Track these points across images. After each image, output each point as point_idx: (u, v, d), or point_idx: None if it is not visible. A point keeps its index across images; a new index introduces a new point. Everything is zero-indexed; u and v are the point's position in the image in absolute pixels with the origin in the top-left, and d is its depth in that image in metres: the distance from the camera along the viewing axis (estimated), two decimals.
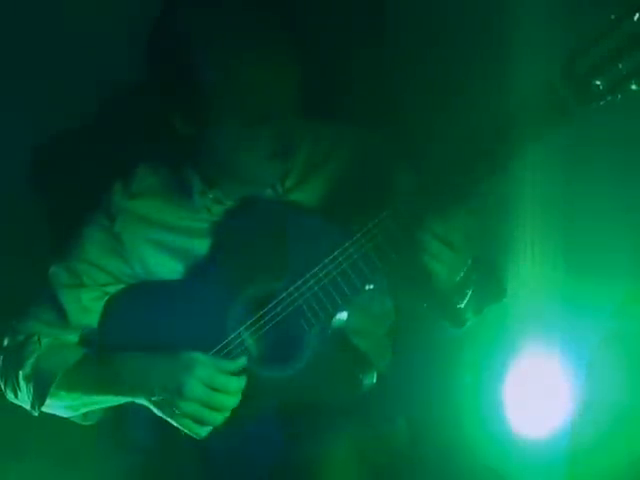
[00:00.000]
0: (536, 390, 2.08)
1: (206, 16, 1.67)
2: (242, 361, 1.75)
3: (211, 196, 1.84)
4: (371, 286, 1.73)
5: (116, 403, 1.81)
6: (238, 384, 1.74)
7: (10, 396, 1.88)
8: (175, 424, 1.75)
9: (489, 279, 1.82)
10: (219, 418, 1.74)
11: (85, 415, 1.88)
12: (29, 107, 2.18)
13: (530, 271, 2.02)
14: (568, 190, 2.01)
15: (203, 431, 1.75)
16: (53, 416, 1.88)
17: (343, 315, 1.75)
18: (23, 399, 1.84)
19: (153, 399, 1.74)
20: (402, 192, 1.71)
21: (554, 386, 2.07)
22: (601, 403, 2.07)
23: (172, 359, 1.74)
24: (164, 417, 1.75)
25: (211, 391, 1.72)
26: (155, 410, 1.76)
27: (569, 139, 1.76)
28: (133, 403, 1.78)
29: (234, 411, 1.74)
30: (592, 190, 2.02)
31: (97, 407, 1.84)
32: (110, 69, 2.14)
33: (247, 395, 1.74)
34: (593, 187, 2.01)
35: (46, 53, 2.17)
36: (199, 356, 1.73)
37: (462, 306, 1.75)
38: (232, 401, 1.73)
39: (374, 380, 1.76)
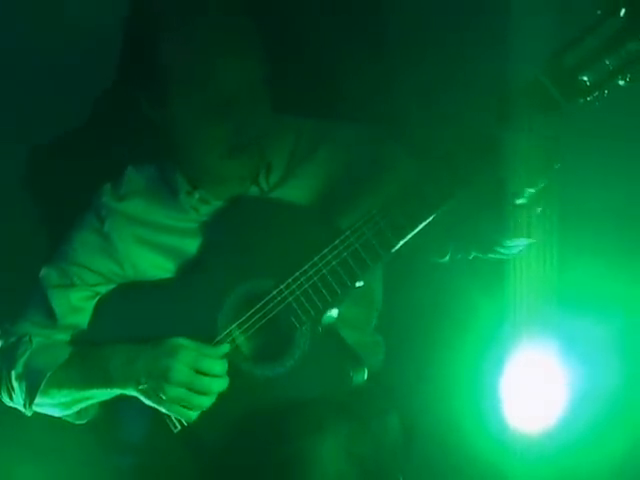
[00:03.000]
0: (533, 385, 2.08)
1: (167, 4, 1.70)
2: (225, 347, 1.76)
3: (197, 196, 1.85)
4: (361, 283, 1.73)
5: (107, 397, 1.81)
6: (222, 366, 1.75)
7: (5, 399, 1.88)
8: (164, 411, 1.76)
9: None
10: (206, 401, 1.75)
11: (78, 413, 1.88)
12: (25, 111, 2.19)
13: (526, 266, 2.02)
14: (565, 185, 2.01)
15: (192, 415, 1.76)
16: (45, 417, 1.88)
17: (334, 312, 1.76)
18: (17, 400, 1.85)
19: (140, 387, 1.75)
20: (391, 185, 1.71)
21: (551, 380, 2.07)
22: (598, 398, 2.07)
23: (156, 346, 1.75)
24: (153, 405, 1.76)
25: (196, 374, 1.73)
26: (143, 399, 1.76)
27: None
28: (124, 399, 1.79)
29: (225, 409, 1.75)
30: (590, 185, 2.02)
31: (89, 403, 1.85)
32: (108, 72, 2.15)
33: (238, 393, 1.75)
34: (591, 181, 2.02)
35: (44, 55, 2.18)
36: (183, 341, 1.74)
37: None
38: (218, 384, 1.74)
39: (365, 377, 1.76)
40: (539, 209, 1.66)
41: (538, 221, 1.67)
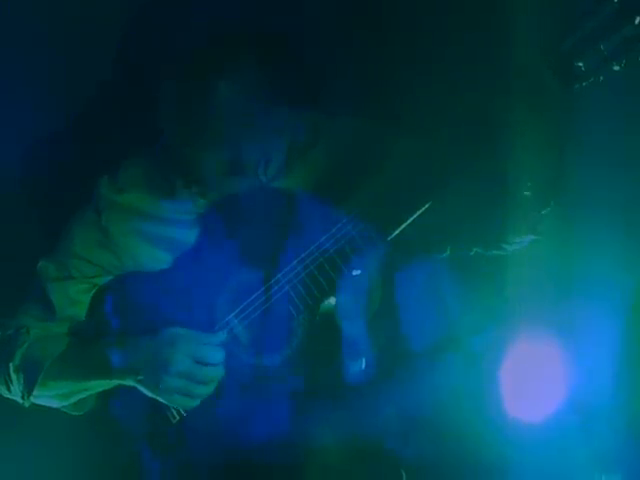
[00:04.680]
0: (532, 375, 2.08)
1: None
2: (223, 336, 1.76)
3: (194, 189, 1.84)
4: (358, 271, 1.73)
5: (105, 387, 1.82)
6: (221, 355, 1.75)
7: (3, 390, 1.88)
8: (164, 401, 1.76)
9: None
10: (206, 390, 1.74)
11: (76, 404, 1.89)
12: (24, 107, 2.19)
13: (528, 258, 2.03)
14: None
15: (192, 403, 1.75)
16: (43, 407, 1.89)
17: (331, 301, 1.76)
18: (15, 391, 1.85)
19: (139, 378, 1.75)
20: (388, 174, 1.72)
21: (550, 371, 2.08)
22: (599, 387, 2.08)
23: (154, 337, 1.75)
24: (152, 395, 1.76)
25: (195, 364, 1.73)
26: (143, 389, 1.76)
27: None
28: (122, 389, 1.80)
29: (222, 397, 1.75)
30: (591, 177, 2.02)
31: (86, 394, 1.85)
32: (102, 69, 2.16)
33: (235, 382, 1.75)
34: (591, 173, 2.02)
35: (41, 54, 2.18)
36: (181, 331, 1.74)
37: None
38: (217, 373, 1.74)
39: (362, 367, 1.77)
40: (547, 208, 1.67)
41: (545, 219, 1.70)
